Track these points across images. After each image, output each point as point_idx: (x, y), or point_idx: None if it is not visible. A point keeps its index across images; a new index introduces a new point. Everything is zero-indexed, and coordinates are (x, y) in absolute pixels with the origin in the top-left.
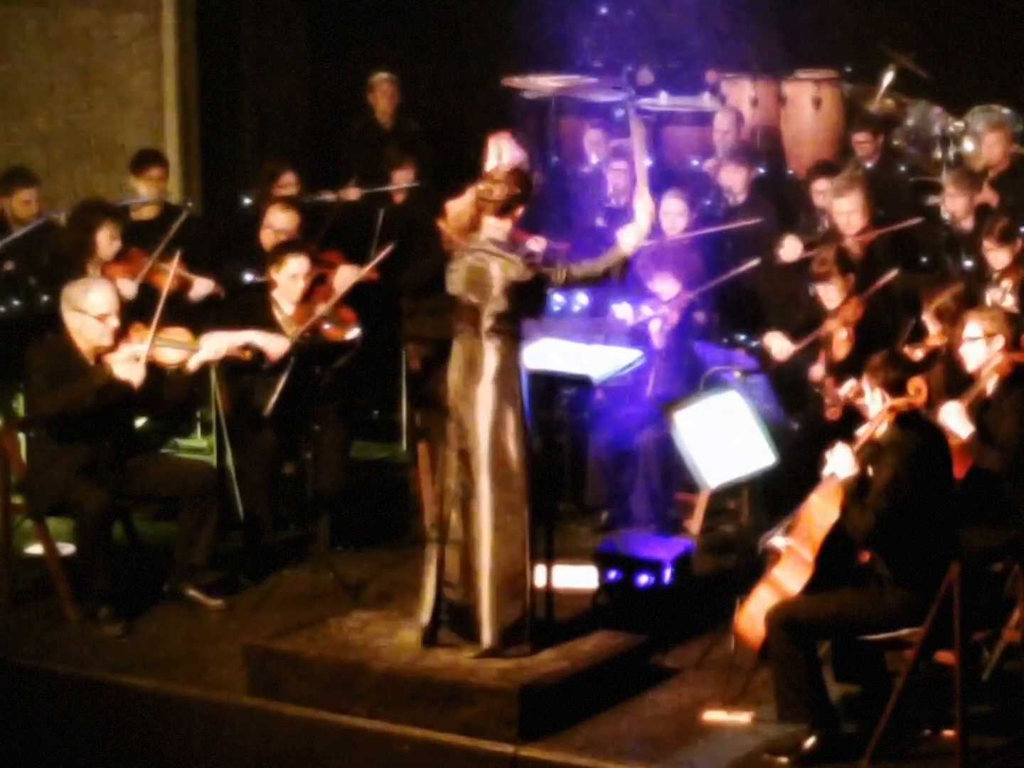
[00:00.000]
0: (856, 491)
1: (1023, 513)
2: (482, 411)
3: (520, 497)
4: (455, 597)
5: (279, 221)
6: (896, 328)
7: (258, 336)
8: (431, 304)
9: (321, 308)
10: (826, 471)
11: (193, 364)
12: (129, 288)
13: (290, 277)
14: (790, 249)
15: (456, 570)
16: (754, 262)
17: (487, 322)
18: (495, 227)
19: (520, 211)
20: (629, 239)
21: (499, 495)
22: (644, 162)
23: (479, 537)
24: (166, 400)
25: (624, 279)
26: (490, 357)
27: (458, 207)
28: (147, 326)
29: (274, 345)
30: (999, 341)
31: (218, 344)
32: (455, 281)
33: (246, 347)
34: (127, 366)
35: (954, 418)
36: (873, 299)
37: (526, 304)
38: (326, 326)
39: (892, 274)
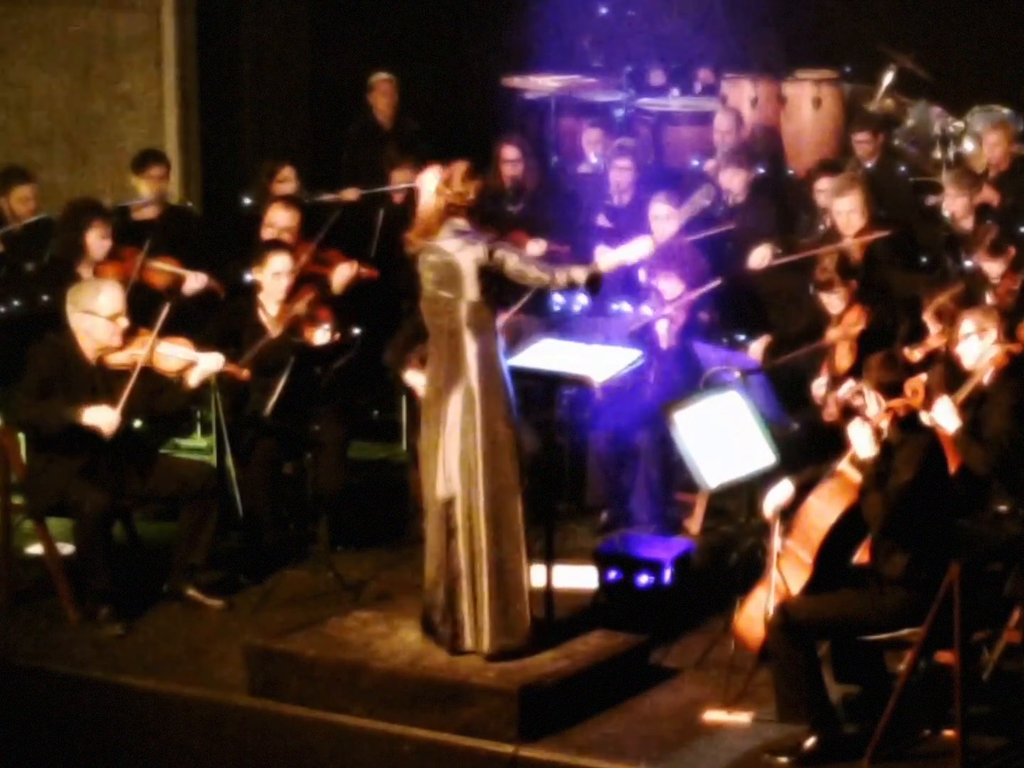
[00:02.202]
0: (875, 474)
1: (1017, 511)
2: (473, 405)
3: (515, 486)
4: (443, 598)
5: (280, 219)
6: (896, 329)
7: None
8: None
9: (298, 306)
10: (768, 506)
11: (194, 380)
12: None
13: (273, 275)
14: (758, 257)
15: (450, 573)
16: (715, 283)
17: (464, 314)
18: (458, 221)
19: (476, 205)
20: (607, 260)
21: (496, 489)
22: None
23: (479, 536)
24: (161, 411)
25: (595, 292)
26: (471, 350)
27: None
28: (151, 332)
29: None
30: (991, 335)
31: (215, 357)
32: (428, 279)
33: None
34: (100, 412)
35: (944, 412)
36: (875, 308)
37: (499, 288)
38: (307, 327)
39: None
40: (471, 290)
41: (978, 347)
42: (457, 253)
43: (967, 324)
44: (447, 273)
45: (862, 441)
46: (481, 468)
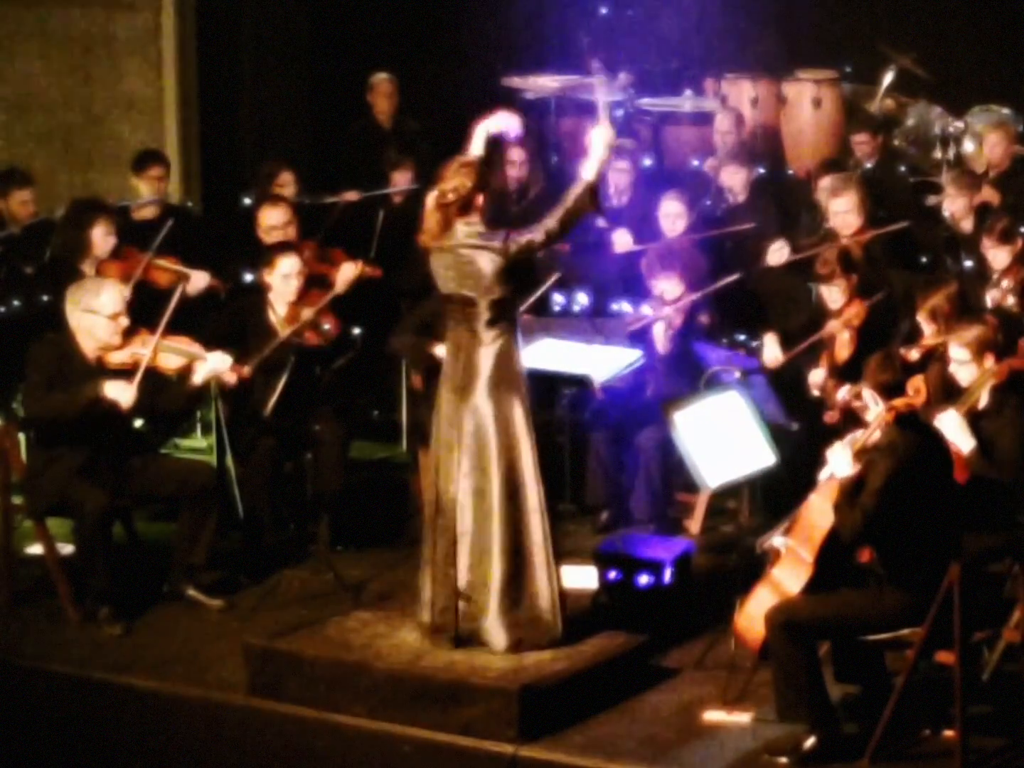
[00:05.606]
0: (852, 491)
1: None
2: (488, 406)
3: (535, 492)
4: (462, 600)
5: (272, 218)
6: (895, 329)
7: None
8: (432, 302)
9: (307, 312)
10: (824, 472)
11: (199, 378)
12: (124, 292)
13: (282, 277)
14: (776, 254)
15: (465, 571)
16: (734, 276)
17: (485, 314)
18: (465, 225)
19: (481, 200)
20: (588, 168)
21: (510, 492)
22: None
23: (491, 537)
24: (161, 409)
25: (598, 208)
26: (489, 350)
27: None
28: (153, 332)
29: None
30: (989, 359)
31: (222, 356)
32: (446, 279)
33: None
34: (119, 387)
35: (954, 429)
36: (875, 303)
37: (520, 284)
38: (312, 332)
39: (902, 225)
40: (492, 290)
41: (977, 371)
42: (476, 257)
43: (961, 352)
44: (466, 275)
45: (842, 463)
46: (496, 467)
